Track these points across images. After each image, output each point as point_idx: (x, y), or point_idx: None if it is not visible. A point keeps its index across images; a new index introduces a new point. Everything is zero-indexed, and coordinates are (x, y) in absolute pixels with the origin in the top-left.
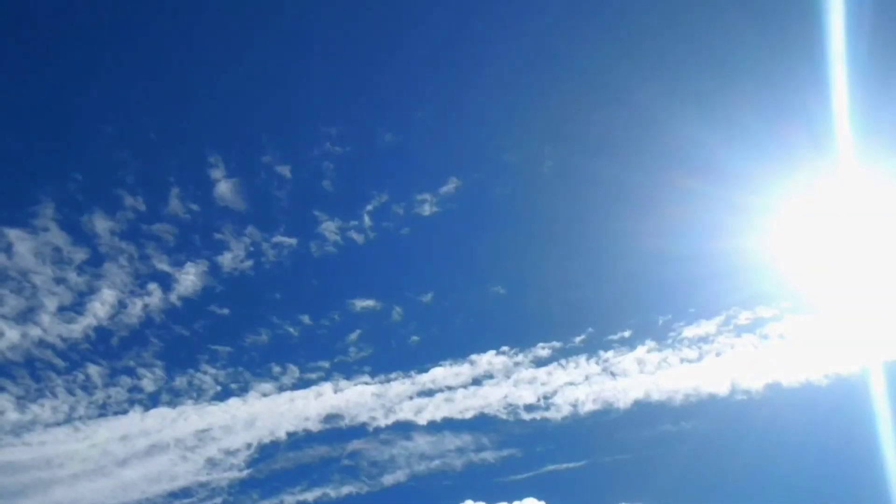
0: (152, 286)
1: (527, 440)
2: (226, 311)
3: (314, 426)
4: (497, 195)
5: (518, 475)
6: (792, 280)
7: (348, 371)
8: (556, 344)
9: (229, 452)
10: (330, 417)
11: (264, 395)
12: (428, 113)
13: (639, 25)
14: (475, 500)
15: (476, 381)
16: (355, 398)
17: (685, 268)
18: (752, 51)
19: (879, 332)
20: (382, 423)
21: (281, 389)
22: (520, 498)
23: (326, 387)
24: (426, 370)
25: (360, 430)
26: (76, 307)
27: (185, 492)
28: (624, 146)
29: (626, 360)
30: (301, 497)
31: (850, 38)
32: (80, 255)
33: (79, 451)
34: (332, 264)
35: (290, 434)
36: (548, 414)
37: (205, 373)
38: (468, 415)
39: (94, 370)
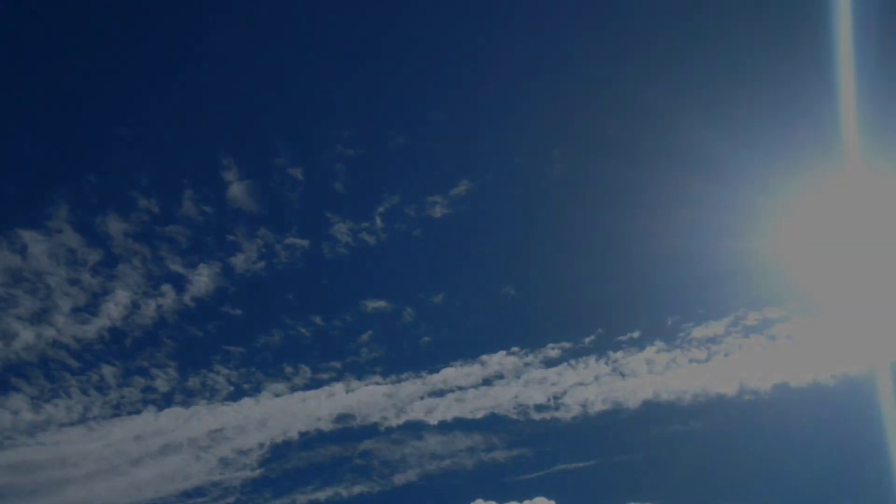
0: (166, 287)
1: (537, 440)
2: (238, 311)
3: (326, 426)
4: (507, 197)
5: (528, 474)
6: (799, 281)
7: (360, 371)
8: (566, 344)
9: (242, 452)
10: (342, 417)
11: (277, 395)
12: (439, 115)
13: (647, 29)
14: (486, 499)
15: (486, 382)
16: (367, 398)
17: (694, 269)
18: (759, 54)
19: (887, 333)
20: (394, 422)
21: (293, 390)
22: (530, 497)
23: (338, 387)
24: (437, 370)
25: (371, 430)
26: (90, 308)
27: (198, 491)
28: (633, 148)
29: (635, 361)
30: (313, 496)
31: (857, 39)
32: (94, 256)
33: (93, 451)
34: (344, 265)
35: (302, 434)
36: (558, 414)
37: (218, 373)
38: (479, 415)
39: (107, 370)
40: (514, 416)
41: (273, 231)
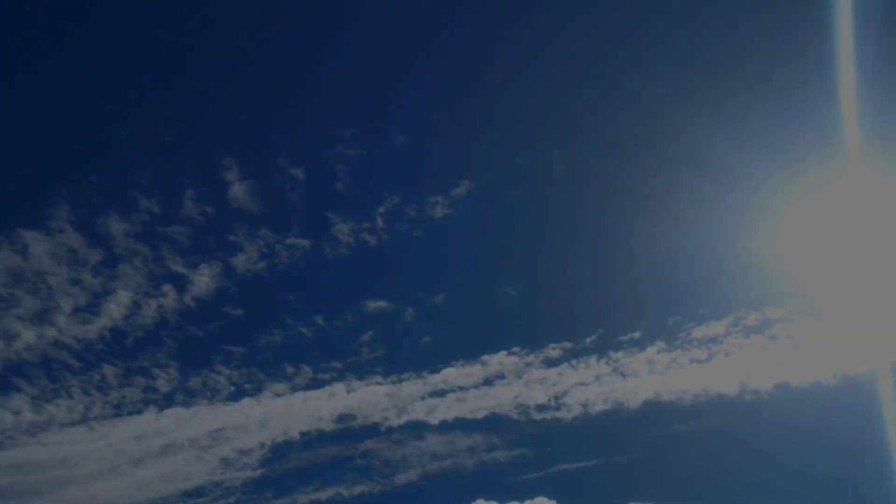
0: (167, 287)
1: (538, 440)
2: (240, 311)
3: (327, 426)
4: (508, 197)
5: (529, 474)
6: (800, 281)
7: (361, 371)
8: (567, 344)
9: (243, 452)
10: (343, 417)
11: (278, 395)
12: (440, 116)
13: (649, 29)
14: (486, 499)
15: (487, 382)
16: (368, 398)
17: (695, 269)
18: (761, 54)
19: (887, 333)
20: (395, 422)
21: (294, 390)
22: (531, 497)
23: (339, 387)
24: (438, 370)
25: (372, 430)
26: (91, 308)
27: (199, 491)
28: (634, 148)
29: (636, 361)
30: (314, 496)
31: (859, 39)
32: (96, 256)
33: (94, 451)
34: (345, 265)
35: (303, 434)
36: (558, 414)
37: (219, 373)
38: (479, 415)
39: (109, 370)
40: (515, 416)
41: (274, 231)
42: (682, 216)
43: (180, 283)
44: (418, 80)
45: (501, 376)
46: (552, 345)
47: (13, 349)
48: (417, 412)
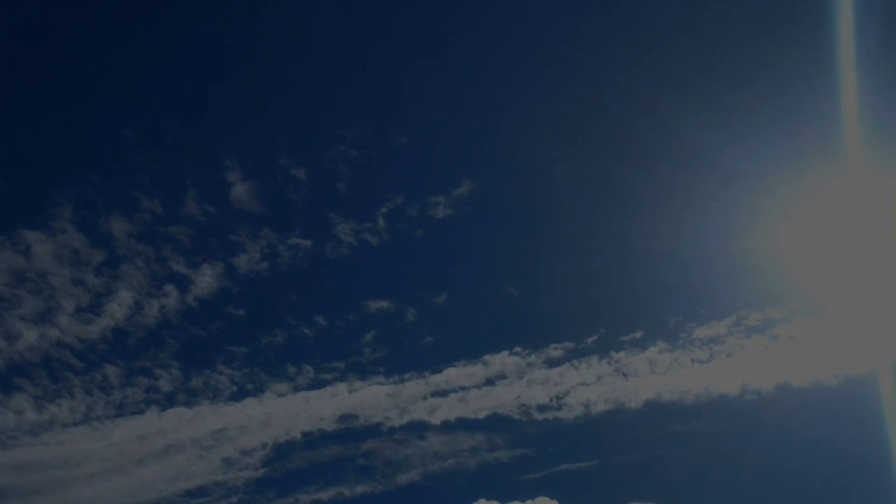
0: (169, 287)
1: (539, 440)
2: (241, 312)
3: (329, 426)
4: (510, 197)
5: (531, 474)
6: (802, 281)
7: (363, 371)
8: (569, 345)
9: (245, 452)
10: (345, 417)
11: (280, 395)
12: (442, 116)
13: (649, 29)
14: (488, 499)
15: (489, 382)
16: (370, 398)
17: (696, 269)
18: (762, 54)
19: (889, 333)
20: (396, 422)
21: (296, 389)
22: (532, 497)
23: (341, 387)
24: (440, 371)
25: (374, 430)
26: (93, 308)
27: (201, 491)
28: (635, 149)
29: (637, 361)
30: (316, 496)
31: (859, 39)
32: (98, 256)
33: (96, 451)
34: (347, 266)
35: (305, 434)
36: (560, 414)
37: (221, 373)
38: (481, 415)
39: (111, 370)
40: (517, 417)
41: (276, 231)
42: (683, 216)
43: (182, 284)
44: (420, 80)
45: (503, 376)
46: (554, 345)
47: (15, 349)
48: (419, 412)
